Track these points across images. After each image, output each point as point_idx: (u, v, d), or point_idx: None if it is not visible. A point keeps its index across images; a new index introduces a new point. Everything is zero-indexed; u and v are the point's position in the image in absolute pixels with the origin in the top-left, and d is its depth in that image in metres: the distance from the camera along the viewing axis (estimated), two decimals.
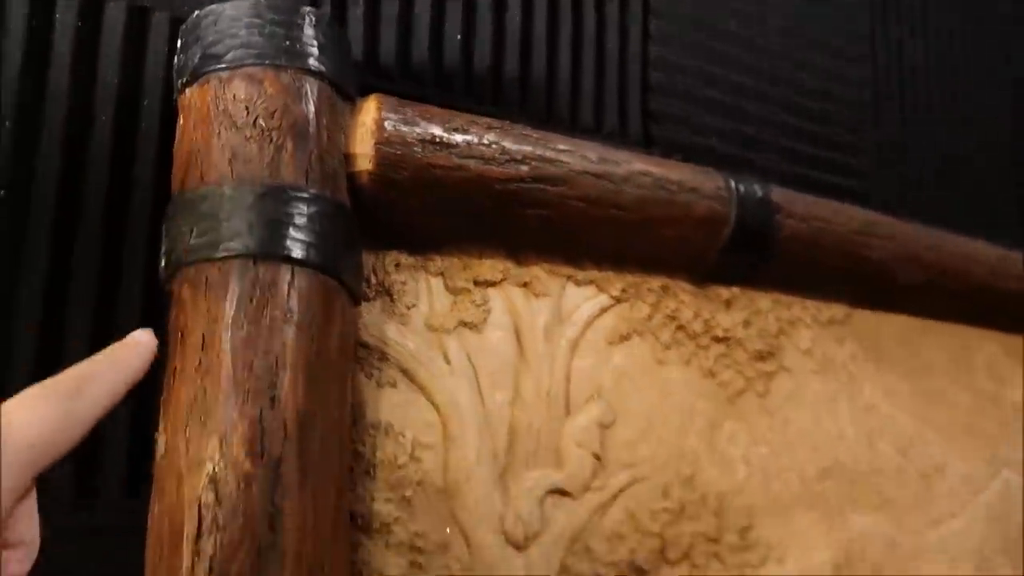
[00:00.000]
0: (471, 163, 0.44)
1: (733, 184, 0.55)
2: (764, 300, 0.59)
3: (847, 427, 0.60)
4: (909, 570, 0.58)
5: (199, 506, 0.33)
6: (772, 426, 0.56)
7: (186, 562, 0.33)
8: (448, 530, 0.42)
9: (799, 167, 0.76)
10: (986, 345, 0.73)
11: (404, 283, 0.45)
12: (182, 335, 0.36)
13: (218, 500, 0.33)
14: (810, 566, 0.53)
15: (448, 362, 0.45)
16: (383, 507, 0.41)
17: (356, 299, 0.42)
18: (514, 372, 0.47)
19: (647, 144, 0.67)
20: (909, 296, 0.68)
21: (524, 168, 0.46)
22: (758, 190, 0.56)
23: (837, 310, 0.64)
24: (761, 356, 0.57)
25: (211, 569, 0.32)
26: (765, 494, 0.54)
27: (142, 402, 0.39)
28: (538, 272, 0.49)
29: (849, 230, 0.62)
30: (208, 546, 0.32)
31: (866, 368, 0.63)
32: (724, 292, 0.57)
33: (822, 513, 0.56)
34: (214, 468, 0.33)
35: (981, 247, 0.72)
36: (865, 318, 0.65)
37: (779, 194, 0.57)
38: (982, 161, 0.95)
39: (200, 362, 0.35)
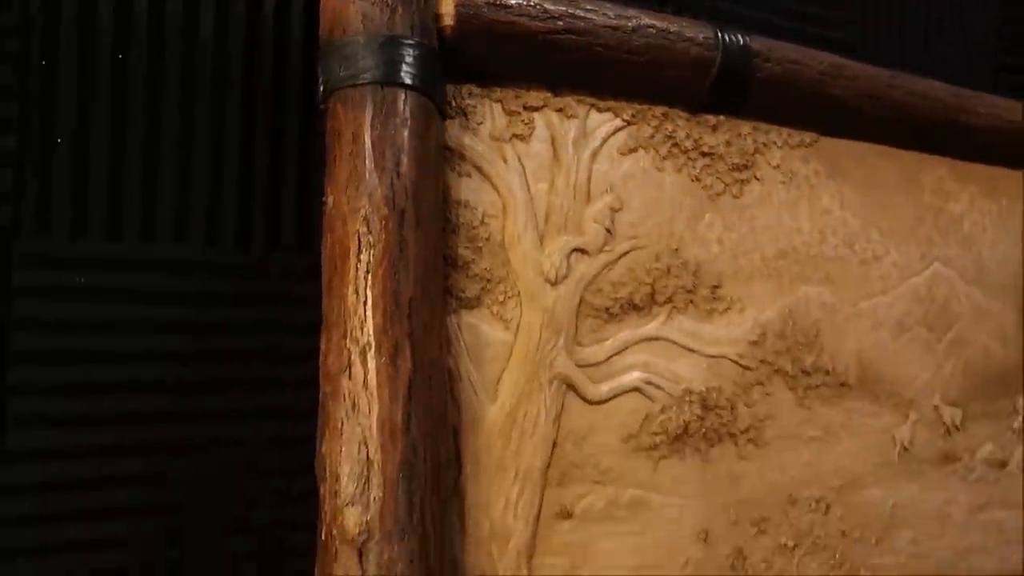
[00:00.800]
0: (521, 20, 0.63)
1: (719, 34, 0.72)
2: (744, 126, 0.78)
3: (804, 223, 0.80)
4: (839, 327, 0.79)
5: (358, 235, 0.55)
6: (742, 219, 0.76)
7: (352, 269, 0.55)
8: (505, 270, 0.64)
9: (790, 22, 0.92)
10: (935, 168, 0.91)
11: (474, 106, 0.65)
12: (338, 134, 0.57)
13: (369, 231, 0.55)
14: (764, 314, 0.75)
15: (505, 162, 0.65)
16: (463, 252, 0.63)
17: (443, 115, 0.62)
18: (550, 171, 0.67)
19: (661, 4, 0.84)
20: (870, 127, 0.85)
21: (559, 23, 0.64)
22: (740, 39, 0.73)
23: (806, 136, 0.82)
24: (738, 168, 0.76)
25: (368, 271, 0.55)
26: (732, 265, 0.74)
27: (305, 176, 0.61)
28: (569, 100, 0.69)
29: (817, 71, 0.79)
30: (365, 258, 0.55)
31: (826, 182, 0.82)
32: (711, 119, 0.76)
33: (776, 283, 0.77)
34: (365, 213, 0.55)
35: (937, 85, 0.88)
36: (829, 143, 0.83)
37: (758, 42, 0.75)
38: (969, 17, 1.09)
39: (351, 150, 0.56)
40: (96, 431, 0.69)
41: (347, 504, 0.54)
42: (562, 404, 0.65)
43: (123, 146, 0.70)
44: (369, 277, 0.55)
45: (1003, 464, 0.88)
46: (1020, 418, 0.90)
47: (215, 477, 0.72)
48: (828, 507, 0.76)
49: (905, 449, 0.82)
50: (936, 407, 0.84)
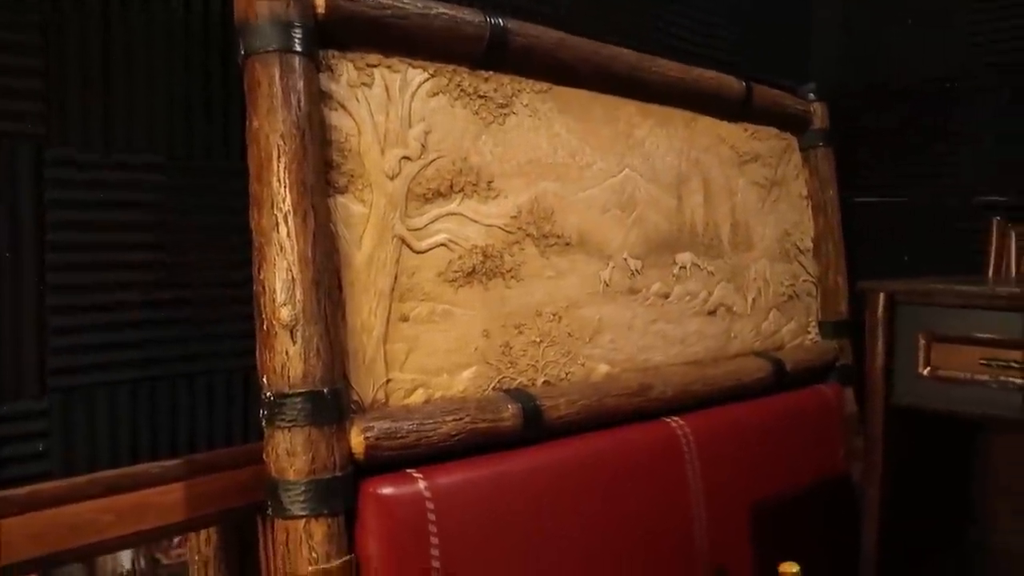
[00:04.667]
0: (365, 9, 1.00)
1: (488, 18, 1.13)
2: (505, 78, 1.20)
3: (543, 142, 1.24)
4: (566, 208, 1.25)
5: (278, 146, 0.91)
6: (505, 139, 1.19)
7: (275, 167, 0.91)
8: (362, 170, 1.02)
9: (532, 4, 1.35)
10: (627, 107, 1.39)
11: (337, 64, 1.01)
12: (257, 83, 0.92)
13: (284, 143, 0.91)
14: (519, 200, 1.19)
15: (358, 101, 1.03)
16: (336, 158, 1.00)
17: (318, 70, 0.98)
18: (385, 107, 1.06)
19: None
20: (585, 79, 1.31)
21: (388, 12, 1.02)
22: (500, 21, 1.15)
23: (544, 85, 1.26)
24: (501, 106, 1.19)
25: (285, 168, 0.91)
26: (500, 168, 1.18)
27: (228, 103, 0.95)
28: (395, 61, 1.07)
29: (550, 43, 1.23)
30: (283, 160, 0.91)
31: (557, 116, 1.27)
32: (484, 73, 1.17)
33: (526, 180, 1.21)
34: (281, 132, 0.91)
35: (625, 52, 1.36)
36: (560, 90, 1.28)
37: (512, 23, 1.17)
38: None
39: (268, 92, 0.92)
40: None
41: (282, 305, 0.91)
42: (400, 252, 1.06)
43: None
44: (286, 172, 0.92)
45: (666, 295, 1.41)
46: (677, 267, 1.43)
47: (193, 294, 1.05)
48: (560, 318, 1.24)
49: (606, 284, 1.31)
50: (625, 259, 1.34)
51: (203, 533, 1.11)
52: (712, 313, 1.49)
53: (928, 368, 1.21)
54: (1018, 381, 1.14)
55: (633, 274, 1.36)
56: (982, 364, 1.14)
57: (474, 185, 1.14)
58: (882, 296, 1.24)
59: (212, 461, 1.00)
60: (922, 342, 1.21)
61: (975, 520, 1.39)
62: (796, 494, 1.49)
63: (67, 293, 0.94)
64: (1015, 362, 1.15)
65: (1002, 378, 1.14)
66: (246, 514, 1.00)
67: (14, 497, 0.84)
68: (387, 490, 0.98)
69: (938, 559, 1.36)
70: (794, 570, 1.13)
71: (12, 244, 0.90)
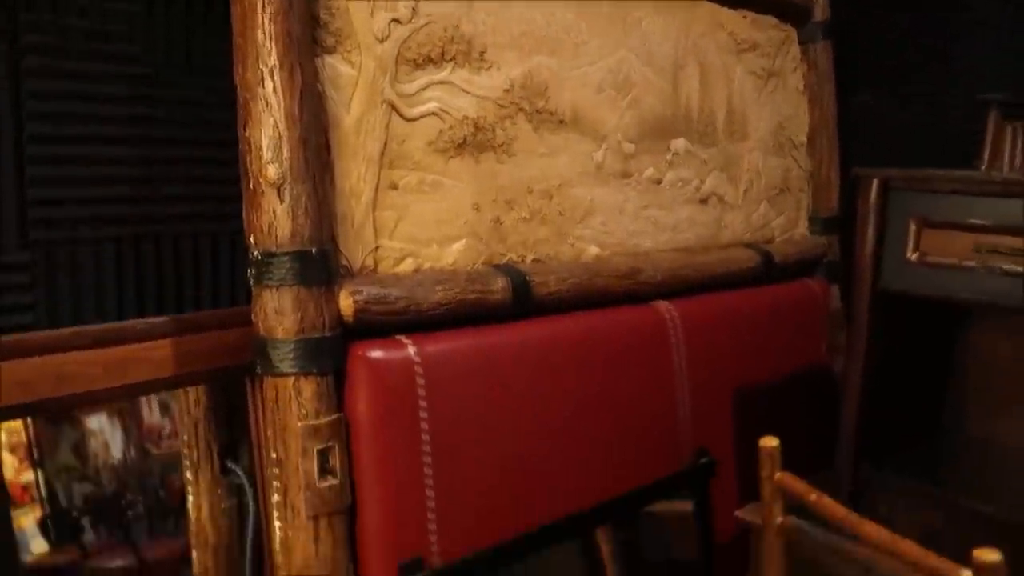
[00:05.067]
0: None
1: None
2: None
3: (538, 16, 1.21)
4: (560, 85, 1.23)
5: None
6: (498, 10, 1.15)
7: (259, 18, 0.88)
8: (351, 29, 0.99)
9: None
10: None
11: None
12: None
13: None
14: (512, 73, 1.16)
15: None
16: (324, 16, 0.97)
17: None
18: None
19: None
20: None
21: None
22: None
23: None
24: None
25: (271, 19, 0.88)
26: (493, 39, 1.14)
27: None
28: None
29: None
30: (268, 10, 0.88)
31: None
32: None
33: (519, 54, 1.18)
34: None
35: None
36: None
37: None
38: None
39: None
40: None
41: (268, 163, 0.90)
42: (390, 118, 1.04)
43: None
44: (271, 23, 0.89)
45: (659, 181, 1.40)
46: (671, 153, 1.42)
47: (180, 152, 1.04)
48: (551, 197, 1.23)
49: (599, 166, 1.30)
50: (619, 141, 1.33)
51: (192, 395, 1.12)
52: (704, 202, 1.48)
53: (917, 254, 1.21)
54: (1006, 267, 1.15)
55: (626, 157, 1.34)
56: (972, 251, 1.14)
57: (466, 54, 1.11)
58: (876, 182, 1.23)
59: (199, 321, 1.00)
60: (913, 228, 1.21)
61: (951, 411, 1.42)
62: (778, 382, 1.51)
63: (47, 144, 0.92)
64: (1005, 248, 1.15)
65: (990, 264, 1.14)
66: (234, 375, 1.01)
67: (2, 344, 0.84)
68: (376, 354, 0.99)
69: (913, 445, 1.39)
70: (773, 443, 1.15)
71: None
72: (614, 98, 1.32)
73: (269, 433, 0.95)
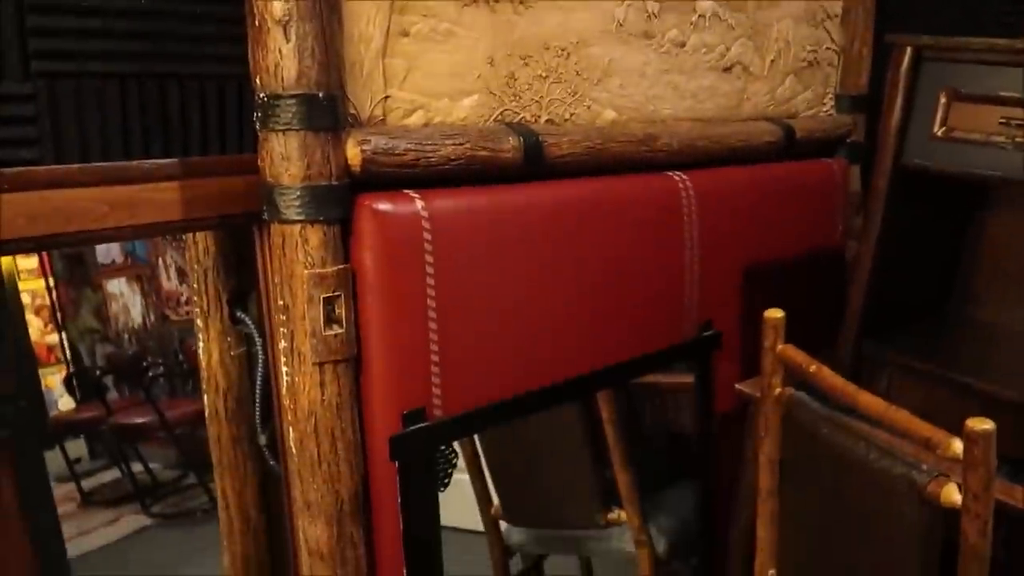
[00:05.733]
0: None
1: None
2: None
3: None
4: None
5: None
6: None
7: None
8: None
9: None
10: None
11: None
12: None
13: None
14: None
15: None
16: None
17: None
18: None
19: None
20: None
21: None
22: None
23: None
24: None
25: None
26: None
27: None
28: None
29: None
30: None
31: None
32: None
33: None
34: None
35: None
36: None
37: None
38: None
39: None
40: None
41: None
42: None
43: None
44: None
45: (682, 44, 1.34)
46: (696, 15, 1.35)
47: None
48: (568, 55, 1.18)
49: (620, 24, 1.24)
50: None
51: (201, 243, 1.13)
52: (727, 70, 1.42)
53: (944, 128, 1.17)
54: None
55: (649, 16, 1.28)
56: (1001, 124, 1.10)
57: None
58: (909, 50, 1.18)
59: (207, 165, 0.98)
60: (943, 100, 1.16)
61: (959, 294, 1.42)
62: (790, 260, 1.50)
63: None
64: None
65: (1018, 139, 1.10)
66: (242, 222, 1.00)
67: (6, 175, 0.83)
68: (383, 206, 0.98)
69: (918, 326, 1.39)
70: (778, 315, 1.16)
71: None
72: None
73: (276, 280, 0.96)
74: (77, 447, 5.16)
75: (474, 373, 1.08)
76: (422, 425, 1.02)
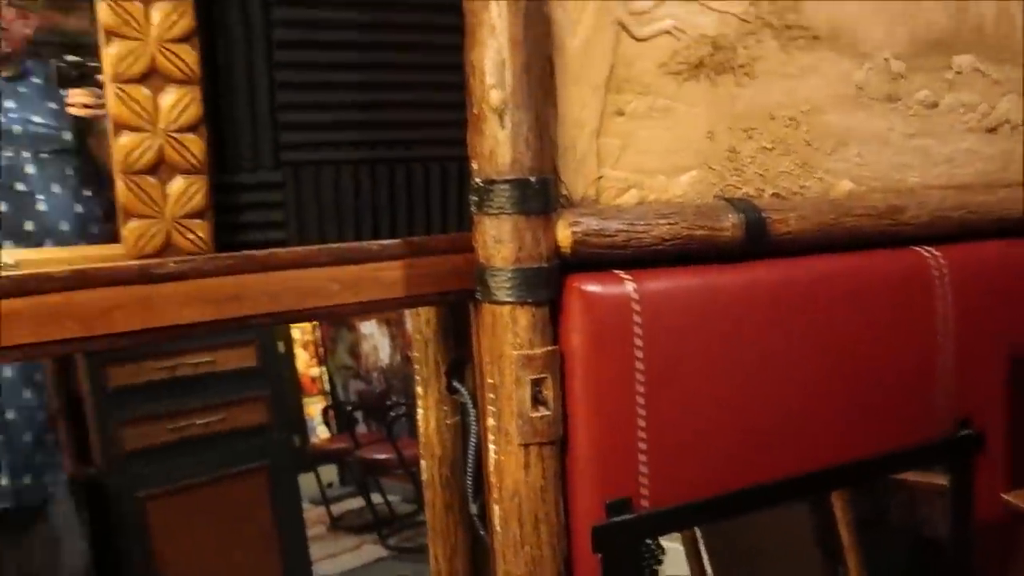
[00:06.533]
0: None
1: None
2: None
3: None
4: None
5: None
6: None
7: None
8: None
9: None
10: None
11: None
12: None
13: None
14: None
15: None
16: None
17: None
18: None
19: None
20: None
21: None
22: None
23: None
24: None
25: None
26: None
27: None
28: None
29: None
30: None
31: None
32: None
33: None
34: None
35: None
36: None
37: None
38: None
39: None
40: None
41: (491, 88, 0.89)
42: (618, 39, 0.98)
43: None
44: None
45: (934, 105, 1.21)
46: (952, 72, 1.21)
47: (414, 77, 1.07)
48: (797, 124, 1.11)
49: (859, 88, 1.14)
50: (886, 59, 1.16)
51: (423, 315, 1.18)
52: (992, 131, 1.26)
53: None
54: None
55: (894, 78, 1.17)
56: None
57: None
58: None
59: (428, 245, 1.03)
60: None
61: None
62: None
63: (293, 70, 0.99)
64: None
65: None
66: (460, 298, 1.04)
67: (255, 257, 0.93)
68: (593, 287, 0.97)
69: None
70: None
71: (244, 20, 0.95)
72: (882, 8, 1.14)
73: (486, 359, 0.97)
74: (330, 472, 5.66)
75: (686, 464, 1.02)
76: (627, 517, 0.98)
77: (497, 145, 0.91)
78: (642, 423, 0.99)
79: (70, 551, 2.56)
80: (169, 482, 2.81)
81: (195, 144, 0.93)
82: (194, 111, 0.92)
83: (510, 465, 0.96)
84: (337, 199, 1.03)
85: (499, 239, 0.93)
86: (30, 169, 2.21)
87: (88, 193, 2.35)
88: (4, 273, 0.86)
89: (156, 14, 0.89)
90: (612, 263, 0.99)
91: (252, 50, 0.98)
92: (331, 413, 6.00)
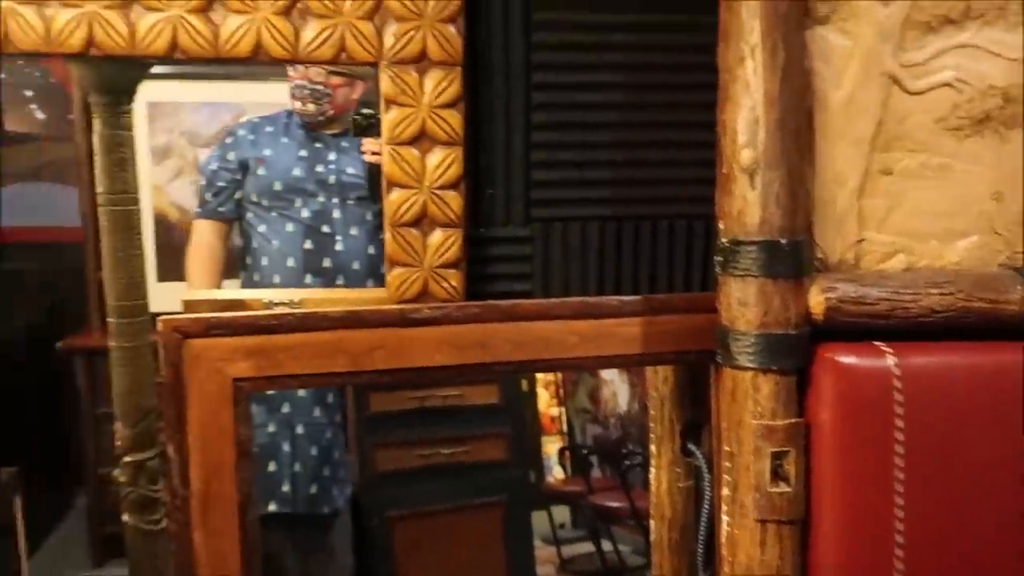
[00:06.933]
0: None
1: None
2: None
3: None
4: None
5: None
6: None
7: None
8: None
9: None
10: None
11: None
12: None
13: None
14: None
15: None
16: None
17: None
18: None
19: None
20: None
21: None
22: None
23: None
24: None
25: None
26: None
27: None
28: None
29: None
30: None
31: None
32: None
33: None
34: None
35: None
36: None
37: None
38: None
39: None
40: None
41: (743, 147, 0.86)
42: (888, 92, 0.91)
43: None
44: (755, 3, 0.84)
45: None
46: None
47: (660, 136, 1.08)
48: None
49: None
50: None
51: (660, 373, 1.16)
52: None
53: None
54: None
55: None
56: None
57: (1000, 8, 0.91)
58: None
59: (670, 303, 1.02)
60: None
61: None
62: None
63: (547, 131, 1.03)
64: None
65: None
66: (699, 359, 1.01)
67: (500, 307, 0.97)
68: (848, 359, 0.89)
69: None
70: None
71: (505, 84, 1.01)
72: None
73: (724, 425, 0.93)
74: (562, 513, 5.71)
75: (950, 566, 0.90)
76: None
77: (746, 205, 0.88)
78: (899, 513, 0.89)
79: (340, 564, 2.80)
80: (414, 505, 2.99)
81: (454, 200, 1.00)
82: (456, 170, 0.99)
83: (744, 540, 0.91)
84: (582, 254, 1.06)
85: (744, 302, 0.89)
86: (336, 214, 2.51)
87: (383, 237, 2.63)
88: (292, 311, 0.98)
89: (428, 83, 0.98)
90: (869, 334, 0.91)
91: (511, 112, 1.03)
92: (567, 454, 6.07)
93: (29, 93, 3.50)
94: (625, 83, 1.06)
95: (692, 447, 1.15)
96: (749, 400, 0.89)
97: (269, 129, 2.55)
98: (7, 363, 3.01)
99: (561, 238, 1.06)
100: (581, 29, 1.04)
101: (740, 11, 0.86)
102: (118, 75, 1.47)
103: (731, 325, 0.90)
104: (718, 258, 0.91)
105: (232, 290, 2.61)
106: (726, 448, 0.92)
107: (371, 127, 2.30)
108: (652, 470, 1.22)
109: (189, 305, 0.99)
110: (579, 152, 1.04)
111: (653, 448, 1.22)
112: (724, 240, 0.90)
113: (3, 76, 3.41)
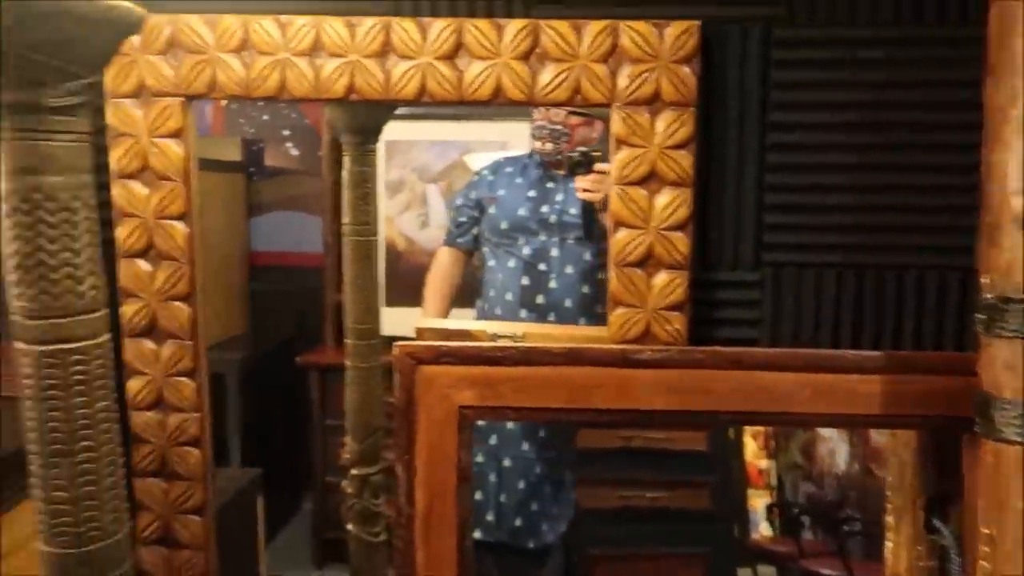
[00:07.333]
0: None
1: None
2: None
3: None
4: None
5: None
6: None
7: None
8: None
9: None
10: None
11: None
12: None
13: None
14: None
15: None
16: None
17: None
18: None
19: None
20: None
21: None
22: None
23: None
24: None
25: None
26: None
27: None
28: None
29: None
30: None
31: None
32: None
33: None
34: None
35: None
36: None
37: None
38: None
39: None
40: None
41: (1014, 195, 0.77)
42: None
43: None
44: None
45: None
46: None
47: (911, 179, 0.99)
48: None
49: None
50: None
51: (900, 437, 1.06)
52: None
53: None
54: None
55: None
56: None
57: None
58: None
59: (917, 361, 0.93)
60: None
61: None
62: None
63: (783, 172, 0.98)
64: None
65: None
66: (950, 425, 0.91)
67: (726, 353, 0.93)
68: None
69: None
70: None
71: (739, 123, 0.98)
72: None
73: (982, 504, 0.83)
74: (767, 573, 5.35)
75: None
76: None
77: (1016, 259, 0.78)
78: None
79: None
80: (614, 546, 2.94)
81: (681, 242, 0.98)
82: (684, 211, 0.97)
83: None
84: (817, 302, 0.99)
85: (1012, 366, 0.79)
86: (554, 252, 2.57)
87: (602, 277, 2.65)
88: (515, 344, 1.00)
89: (660, 123, 0.97)
90: None
91: (744, 154, 1.00)
92: (776, 511, 5.69)
93: (286, 132, 3.92)
94: (868, 122, 0.99)
95: (938, 524, 1.03)
96: (1016, 479, 0.79)
97: (508, 170, 2.67)
98: (263, 374, 3.35)
99: (793, 285, 1.00)
100: (821, 66, 0.99)
101: (1013, 46, 0.77)
102: (367, 117, 1.60)
103: (996, 392, 0.80)
104: (981, 316, 0.81)
105: (460, 320, 2.75)
106: (984, 531, 0.82)
107: (583, 164, 2.34)
108: (889, 544, 1.11)
109: (421, 332, 1.05)
110: (816, 195, 0.99)
111: (890, 519, 1.11)
112: (989, 296, 0.80)
113: (267, 118, 3.86)
